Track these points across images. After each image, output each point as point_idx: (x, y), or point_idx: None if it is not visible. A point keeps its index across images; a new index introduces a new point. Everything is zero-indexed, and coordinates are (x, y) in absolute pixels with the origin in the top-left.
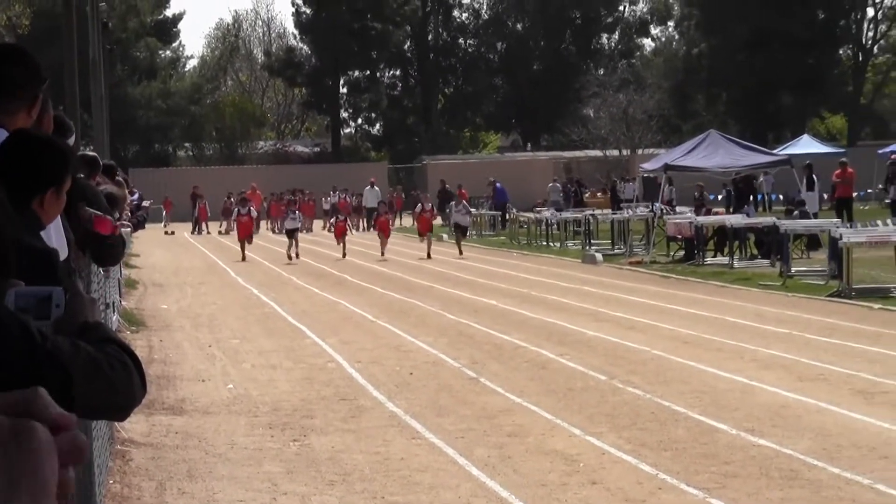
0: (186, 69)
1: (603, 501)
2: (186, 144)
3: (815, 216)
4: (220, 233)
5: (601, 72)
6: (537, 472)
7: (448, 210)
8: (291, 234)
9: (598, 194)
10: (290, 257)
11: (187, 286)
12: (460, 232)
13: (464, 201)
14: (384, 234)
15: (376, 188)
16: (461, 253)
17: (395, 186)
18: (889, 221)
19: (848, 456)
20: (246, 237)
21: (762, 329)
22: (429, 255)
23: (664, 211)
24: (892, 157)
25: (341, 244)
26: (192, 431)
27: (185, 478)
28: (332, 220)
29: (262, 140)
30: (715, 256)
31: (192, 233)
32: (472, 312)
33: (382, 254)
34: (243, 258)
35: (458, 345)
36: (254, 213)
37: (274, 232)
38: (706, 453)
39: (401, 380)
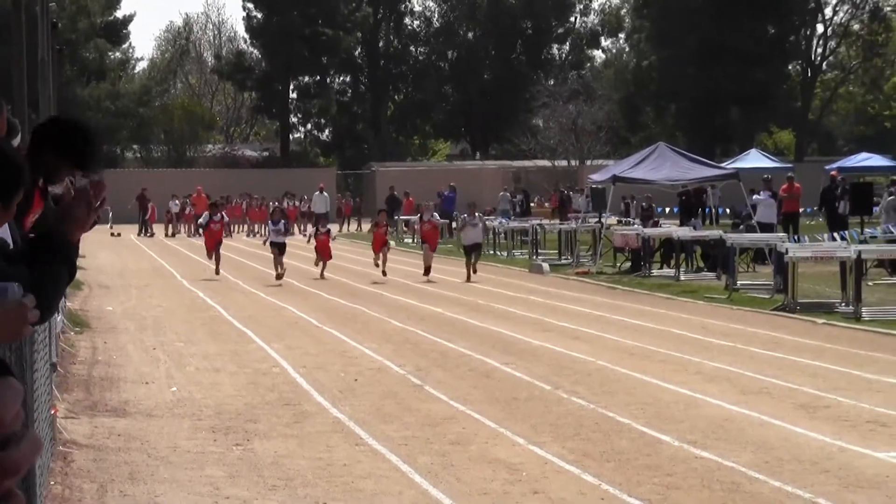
0: (136, 71)
1: None
2: (134, 146)
3: (773, 228)
4: (166, 235)
5: (551, 82)
6: (480, 481)
7: (460, 224)
8: (281, 250)
9: (546, 204)
10: (278, 277)
11: (133, 288)
12: (474, 251)
13: (477, 213)
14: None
15: (325, 194)
16: (474, 272)
17: (343, 193)
18: (836, 236)
19: (790, 469)
20: (216, 248)
21: (707, 342)
22: (427, 272)
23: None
24: (832, 173)
25: (321, 263)
26: (135, 434)
27: (127, 480)
28: (313, 231)
29: (211, 143)
30: (661, 268)
31: (139, 235)
32: (418, 320)
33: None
34: (217, 271)
35: (403, 352)
36: (226, 220)
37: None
38: (649, 465)
39: (345, 386)
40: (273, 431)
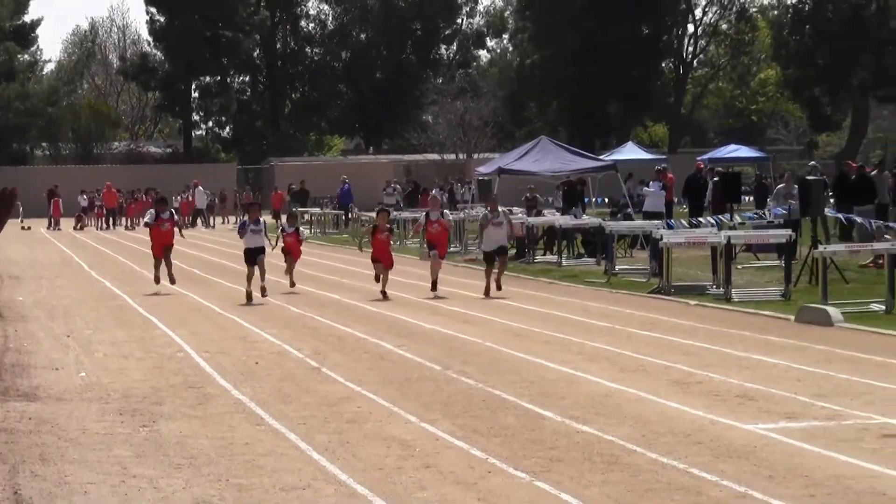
0: (44, 72)
1: (436, 484)
2: (44, 144)
3: (661, 217)
4: (74, 229)
5: (440, 80)
6: (375, 457)
7: (481, 222)
8: (256, 256)
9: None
10: (263, 290)
11: (43, 279)
12: (499, 256)
13: (501, 209)
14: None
15: (201, 188)
16: (498, 288)
17: (242, 186)
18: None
19: (664, 442)
20: (164, 253)
21: (588, 323)
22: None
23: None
24: (698, 164)
25: (290, 272)
26: (46, 417)
27: (38, 461)
28: (279, 231)
29: (117, 141)
30: (545, 255)
31: (48, 228)
32: (317, 306)
33: (292, 283)
34: (171, 279)
35: (301, 336)
36: (176, 218)
37: (127, 228)
38: (533, 439)
39: (246, 369)
40: (178, 413)
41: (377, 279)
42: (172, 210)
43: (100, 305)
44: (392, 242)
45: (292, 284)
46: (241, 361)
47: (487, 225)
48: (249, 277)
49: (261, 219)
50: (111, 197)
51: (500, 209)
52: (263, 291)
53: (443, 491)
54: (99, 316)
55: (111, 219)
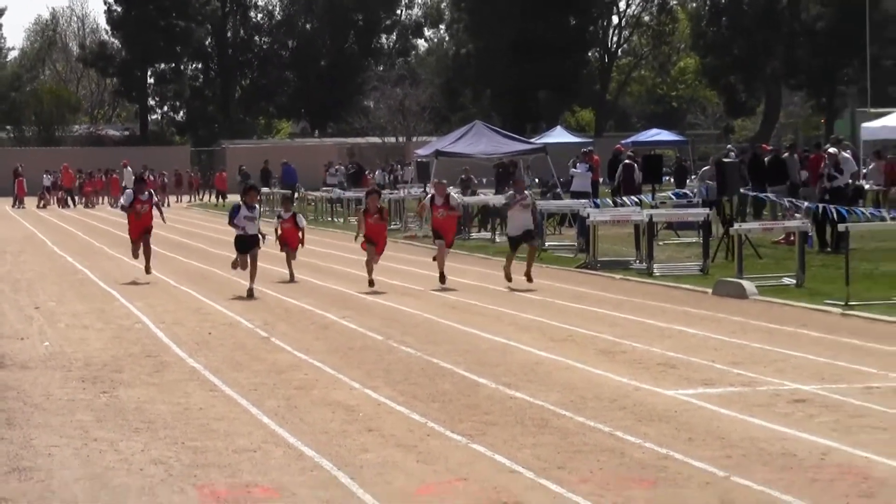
0: (7, 59)
1: (378, 447)
2: (8, 127)
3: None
4: (37, 207)
5: (380, 68)
6: (321, 421)
7: (506, 200)
8: (249, 247)
9: (371, 176)
10: (250, 292)
11: (7, 254)
12: (526, 241)
13: (528, 191)
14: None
15: (129, 168)
16: (528, 279)
17: (193, 168)
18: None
19: (591, 407)
20: (142, 236)
21: (519, 296)
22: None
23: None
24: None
25: (289, 264)
26: (12, 384)
27: (5, 425)
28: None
29: (77, 124)
30: (479, 232)
31: (13, 207)
32: (266, 281)
33: (291, 276)
34: (147, 269)
35: (252, 308)
36: (155, 199)
37: (87, 207)
38: (469, 404)
39: (200, 339)
40: (136, 380)
41: (367, 265)
42: (151, 191)
43: (62, 280)
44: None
45: (292, 277)
46: (195, 332)
47: (514, 205)
48: (240, 265)
49: (256, 205)
50: (68, 177)
51: (527, 192)
52: (250, 294)
53: (385, 453)
54: (61, 289)
55: (69, 197)
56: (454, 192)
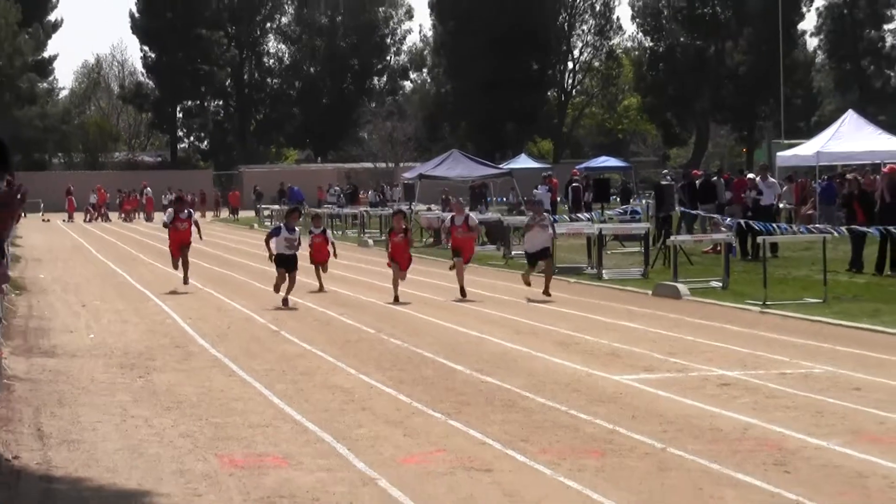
0: (59, 97)
1: (371, 423)
2: (59, 154)
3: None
4: (84, 221)
5: (373, 105)
6: (322, 402)
7: (528, 221)
8: (290, 266)
9: (365, 195)
10: (285, 301)
11: (59, 261)
12: (542, 259)
13: (546, 213)
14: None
15: (149, 189)
16: (546, 294)
17: (215, 189)
18: (582, 216)
19: (551, 389)
20: (181, 252)
21: (490, 296)
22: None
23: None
24: (573, 171)
25: (319, 277)
26: (62, 370)
27: (56, 405)
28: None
29: (118, 152)
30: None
31: (64, 221)
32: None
33: (321, 286)
34: (185, 280)
35: (265, 307)
36: (195, 217)
37: (125, 221)
38: (447, 387)
39: (221, 332)
40: (167, 367)
41: (394, 283)
42: (190, 210)
43: (104, 282)
44: (412, 243)
45: (321, 287)
46: (216, 326)
47: (533, 227)
48: (279, 285)
49: (296, 228)
50: (101, 196)
51: (545, 214)
52: (285, 303)
53: (376, 428)
54: (103, 290)
55: (98, 213)
56: (473, 214)
